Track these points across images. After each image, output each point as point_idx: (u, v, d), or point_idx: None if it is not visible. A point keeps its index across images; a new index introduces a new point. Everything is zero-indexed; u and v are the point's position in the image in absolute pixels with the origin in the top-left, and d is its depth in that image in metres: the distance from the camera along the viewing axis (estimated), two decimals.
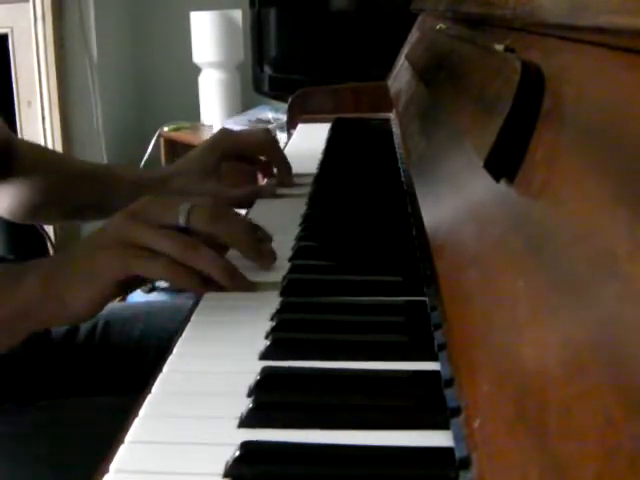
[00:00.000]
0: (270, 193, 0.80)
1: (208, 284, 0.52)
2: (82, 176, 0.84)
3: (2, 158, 0.80)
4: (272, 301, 0.50)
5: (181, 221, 0.52)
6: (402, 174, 0.83)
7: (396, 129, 1.06)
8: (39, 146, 1.00)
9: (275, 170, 0.84)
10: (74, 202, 0.84)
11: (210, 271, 0.51)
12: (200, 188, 0.77)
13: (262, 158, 0.85)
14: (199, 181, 0.78)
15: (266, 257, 0.56)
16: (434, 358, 0.41)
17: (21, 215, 0.84)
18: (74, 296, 0.50)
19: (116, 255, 0.50)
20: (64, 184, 0.83)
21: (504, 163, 0.37)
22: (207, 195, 0.73)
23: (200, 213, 0.52)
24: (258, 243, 0.56)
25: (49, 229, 2.09)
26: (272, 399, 0.39)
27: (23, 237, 2.05)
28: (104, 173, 0.86)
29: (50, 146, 2.13)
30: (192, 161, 0.80)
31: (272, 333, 0.45)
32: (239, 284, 0.52)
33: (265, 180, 0.87)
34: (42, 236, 2.02)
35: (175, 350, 0.44)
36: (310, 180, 0.83)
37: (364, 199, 0.76)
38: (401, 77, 1.11)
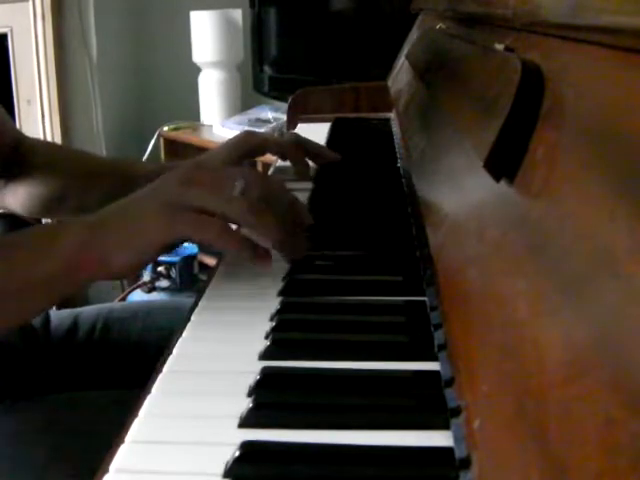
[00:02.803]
0: None
1: (255, 251, 0.51)
2: (100, 171, 0.84)
3: (14, 156, 0.80)
4: (272, 301, 0.50)
5: (238, 188, 0.50)
6: (402, 174, 0.83)
7: (396, 129, 1.06)
8: (54, 144, 1.01)
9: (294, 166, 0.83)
10: (92, 197, 0.84)
11: (270, 236, 0.51)
12: None
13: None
14: None
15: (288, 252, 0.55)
16: (434, 358, 0.41)
17: (37, 211, 0.84)
18: (119, 256, 0.49)
19: (167, 220, 0.49)
20: (82, 180, 0.83)
21: (504, 163, 0.37)
22: None
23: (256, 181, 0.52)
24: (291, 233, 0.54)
25: None
26: (272, 399, 0.39)
27: None
28: (122, 167, 0.85)
29: None
30: (213, 154, 0.80)
31: (272, 333, 0.45)
32: (290, 254, 0.54)
33: None
34: None
35: (175, 350, 0.44)
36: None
37: (364, 199, 0.76)
38: (401, 77, 1.11)
